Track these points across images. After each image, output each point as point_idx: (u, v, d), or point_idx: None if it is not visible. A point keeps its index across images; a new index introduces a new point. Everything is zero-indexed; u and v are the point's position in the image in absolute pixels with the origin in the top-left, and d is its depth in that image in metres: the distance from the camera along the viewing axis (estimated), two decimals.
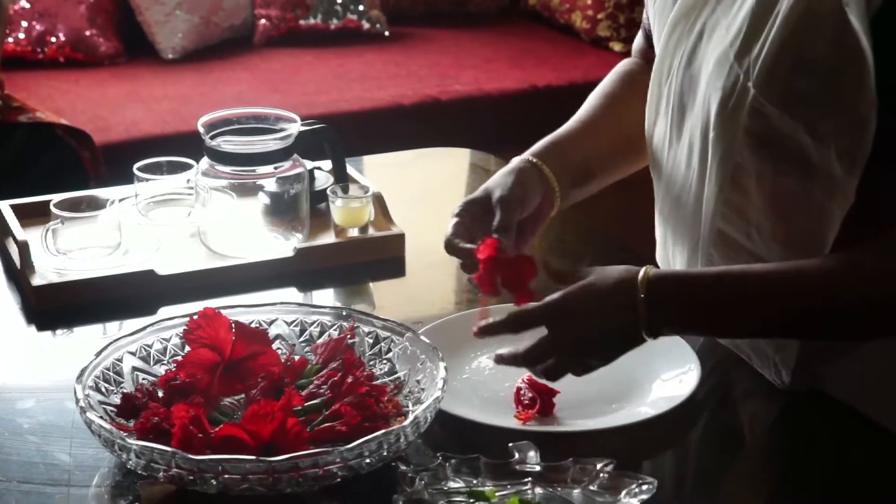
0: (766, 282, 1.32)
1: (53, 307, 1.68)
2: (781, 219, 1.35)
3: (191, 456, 1.19)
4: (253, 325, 1.44)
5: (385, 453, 1.25)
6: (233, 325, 1.38)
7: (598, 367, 1.36)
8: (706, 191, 1.40)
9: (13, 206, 1.87)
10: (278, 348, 1.45)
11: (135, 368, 1.41)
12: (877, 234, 1.30)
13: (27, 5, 3.75)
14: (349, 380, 1.34)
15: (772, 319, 1.33)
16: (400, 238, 1.84)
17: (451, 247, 1.43)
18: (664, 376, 1.45)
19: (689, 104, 1.43)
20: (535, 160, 1.52)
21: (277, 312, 1.49)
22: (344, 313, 1.49)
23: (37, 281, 1.69)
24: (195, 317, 1.39)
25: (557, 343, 1.34)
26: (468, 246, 1.41)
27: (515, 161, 1.53)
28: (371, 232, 1.85)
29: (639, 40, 1.70)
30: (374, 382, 1.38)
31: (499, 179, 1.49)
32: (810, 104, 1.29)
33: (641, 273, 1.32)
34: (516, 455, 1.27)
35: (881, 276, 1.28)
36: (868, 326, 1.32)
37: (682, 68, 1.43)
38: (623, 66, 1.70)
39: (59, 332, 1.68)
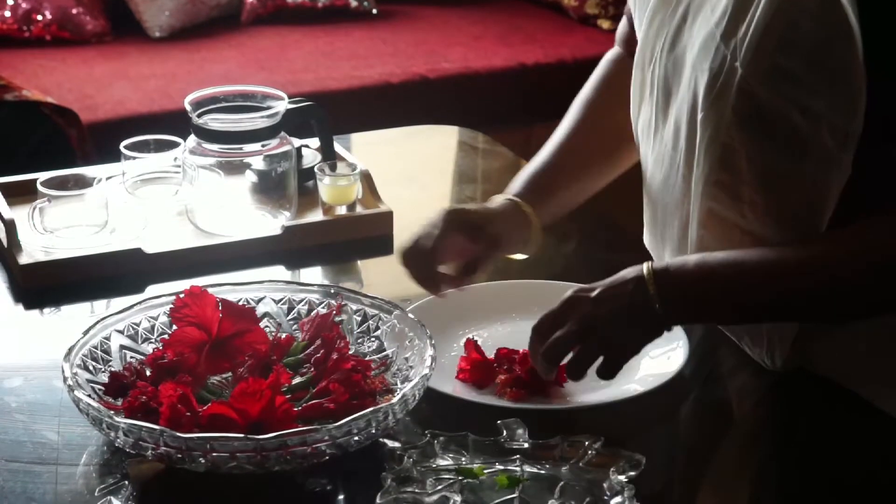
0: (774, 261, 1.33)
1: (41, 286, 1.67)
2: (775, 195, 1.34)
3: (179, 434, 1.19)
4: (241, 304, 1.44)
5: (373, 431, 1.25)
6: (219, 302, 1.38)
7: (625, 354, 1.35)
8: (695, 172, 1.40)
9: (0, 185, 1.87)
10: (266, 326, 1.45)
11: (122, 347, 1.40)
12: (876, 207, 1.30)
13: None
14: (334, 356, 1.34)
15: (783, 298, 1.33)
16: (388, 216, 1.84)
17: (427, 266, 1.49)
18: (652, 353, 1.45)
19: (674, 87, 1.42)
20: (519, 202, 1.55)
21: (265, 290, 1.49)
22: (332, 291, 1.49)
23: (24, 259, 1.69)
24: (181, 295, 1.39)
25: (572, 312, 1.34)
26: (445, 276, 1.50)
27: (499, 199, 1.56)
28: (359, 210, 1.85)
29: (622, 27, 1.69)
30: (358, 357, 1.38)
31: (486, 212, 1.53)
32: (798, 82, 1.28)
33: (645, 267, 1.33)
34: (505, 432, 1.27)
35: (885, 243, 1.28)
36: (875, 297, 1.32)
37: (666, 52, 1.42)
38: (604, 66, 1.70)
39: (46, 310, 1.67)
